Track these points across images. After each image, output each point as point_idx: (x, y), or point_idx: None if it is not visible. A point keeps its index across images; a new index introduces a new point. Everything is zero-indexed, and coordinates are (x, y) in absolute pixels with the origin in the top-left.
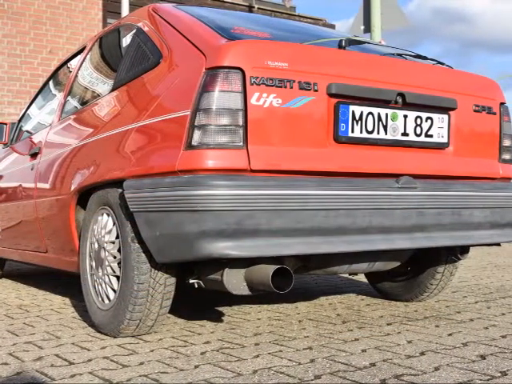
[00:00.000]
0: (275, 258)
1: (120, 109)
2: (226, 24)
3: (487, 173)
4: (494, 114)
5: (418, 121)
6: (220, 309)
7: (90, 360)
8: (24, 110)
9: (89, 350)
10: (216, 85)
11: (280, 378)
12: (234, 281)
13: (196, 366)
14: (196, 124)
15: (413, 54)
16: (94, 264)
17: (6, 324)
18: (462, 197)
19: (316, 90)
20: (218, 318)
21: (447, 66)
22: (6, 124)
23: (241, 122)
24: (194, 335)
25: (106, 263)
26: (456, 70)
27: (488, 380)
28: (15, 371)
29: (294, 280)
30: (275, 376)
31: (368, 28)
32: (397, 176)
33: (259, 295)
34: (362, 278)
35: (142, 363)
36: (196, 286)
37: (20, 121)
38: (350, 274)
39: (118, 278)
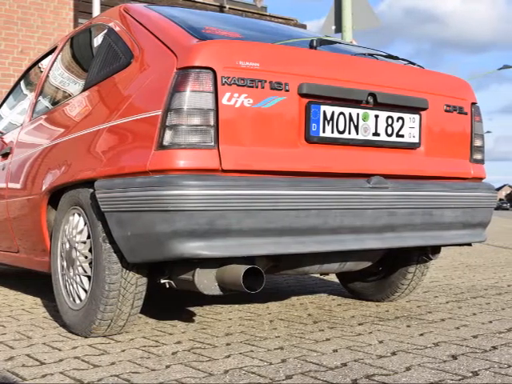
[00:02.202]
0: (246, 258)
1: (91, 109)
2: (198, 24)
3: (458, 173)
4: (466, 114)
5: (390, 121)
6: (191, 309)
7: (61, 360)
8: None
9: (60, 350)
10: (187, 85)
11: (251, 378)
12: (206, 281)
13: (167, 366)
14: (167, 124)
15: (384, 54)
16: (65, 264)
17: None
18: (434, 197)
19: (287, 90)
20: (189, 318)
21: (418, 65)
22: None
23: (212, 122)
24: (166, 335)
25: (77, 263)
26: (427, 70)
27: (459, 380)
28: None
29: (265, 280)
30: (246, 376)
31: (339, 28)
32: (368, 176)
33: (230, 295)
34: (333, 278)
35: (113, 363)
36: (167, 285)
37: None
38: (321, 274)
39: (89, 278)
